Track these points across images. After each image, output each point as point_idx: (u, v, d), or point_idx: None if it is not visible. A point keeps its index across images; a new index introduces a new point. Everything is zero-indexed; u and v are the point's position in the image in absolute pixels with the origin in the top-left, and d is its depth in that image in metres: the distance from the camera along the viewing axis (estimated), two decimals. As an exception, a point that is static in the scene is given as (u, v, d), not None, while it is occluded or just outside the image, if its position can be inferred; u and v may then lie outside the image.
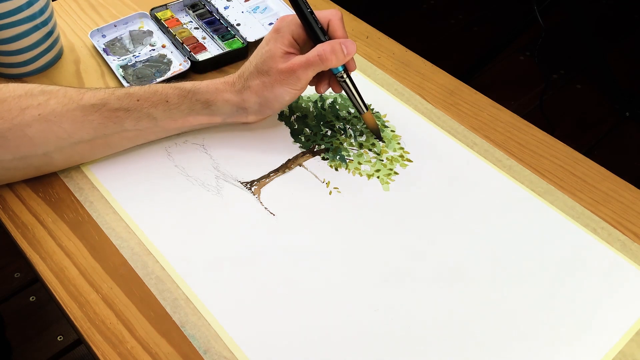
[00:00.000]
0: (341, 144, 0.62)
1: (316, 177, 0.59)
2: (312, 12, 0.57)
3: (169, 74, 0.67)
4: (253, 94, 0.57)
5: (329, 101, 0.66)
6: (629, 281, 0.52)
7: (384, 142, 0.62)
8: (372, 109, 0.65)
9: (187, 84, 0.57)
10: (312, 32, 0.57)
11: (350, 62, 0.59)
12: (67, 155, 0.55)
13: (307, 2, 0.57)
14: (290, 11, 0.74)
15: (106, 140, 0.56)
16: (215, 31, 0.73)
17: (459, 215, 0.56)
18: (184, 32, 0.72)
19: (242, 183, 0.58)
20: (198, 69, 0.69)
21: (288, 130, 0.63)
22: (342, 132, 0.63)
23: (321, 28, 0.57)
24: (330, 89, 0.62)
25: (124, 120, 0.55)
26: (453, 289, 0.51)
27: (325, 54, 0.55)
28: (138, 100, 0.55)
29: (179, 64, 0.69)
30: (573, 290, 0.51)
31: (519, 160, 0.61)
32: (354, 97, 0.60)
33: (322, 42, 0.56)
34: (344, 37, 0.57)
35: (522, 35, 1.59)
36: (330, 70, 0.58)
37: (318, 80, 0.60)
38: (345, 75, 0.59)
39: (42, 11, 0.64)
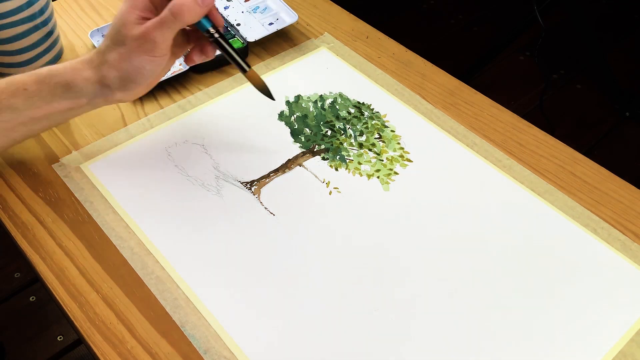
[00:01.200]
0: (341, 144, 0.62)
1: (316, 177, 0.59)
2: None
3: (168, 74, 0.67)
4: (112, 68, 0.52)
5: (328, 101, 0.66)
6: (629, 281, 0.52)
7: (274, 99, 0.59)
8: (372, 109, 0.65)
9: (43, 69, 0.53)
10: None
11: (216, 16, 0.54)
12: None
13: None
14: (290, 11, 0.74)
15: None
16: (215, 31, 0.73)
17: (459, 216, 0.56)
18: (184, 32, 0.72)
19: (242, 183, 0.58)
20: (198, 69, 0.69)
21: (288, 130, 0.63)
22: (342, 132, 0.63)
23: None
24: (204, 57, 0.56)
25: None
26: (452, 289, 0.51)
27: (175, 7, 0.50)
28: None
29: (179, 64, 0.69)
30: (573, 290, 0.51)
31: (519, 160, 0.61)
32: (230, 55, 0.55)
33: None
34: None
35: (522, 35, 1.59)
36: (199, 32, 0.55)
37: (197, 47, 0.56)
38: (216, 34, 0.54)
39: (42, 11, 0.64)
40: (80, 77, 0.53)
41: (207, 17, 0.53)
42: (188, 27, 0.55)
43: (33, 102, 0.52)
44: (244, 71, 0.57)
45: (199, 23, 0.53)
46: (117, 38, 0.52)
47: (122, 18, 0.52)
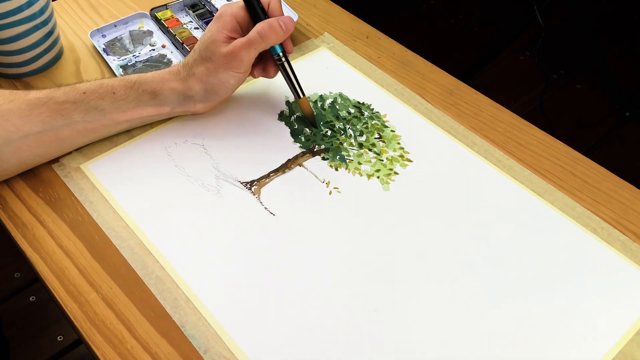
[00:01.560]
0: (341, 144, 0.62)
1: (316, 177, 0.59)
2: None
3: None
4: (198, 80, 0.58)
5: (328, 101, 0.66)
6: (629, 281, 0.52)
7: (317, 128, 0.63)
8: (372, 109, 0.65)
9: (133, 76, 0.58)
10: (254, 13, 0.58)
11: (288, 44, 0.60)
12: (16, 149, 0.54)
13: None
14: (290, 11, 0.74)
15: (56, 134, 0.55)
16: (215, 31, 0.73)
17: (459, 216, 0.56)
18: (184, 32, 0.72)
19: (242, 183, 0.58)
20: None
21: (288, 130, 0.63)
22: (342, 132, 0.63)
23: (262, 8, 0.58)
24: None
25: (72, 112, 0.55)
26: (453, 289, 0.51)
27: (264, 31, 0.56)
28: (84, 93, 0.55)
29: (179, 64, 0.69)
30: (573, 290, 0.51)
31: (519, 160, 0.61)
32: (291, 81, 0.61)
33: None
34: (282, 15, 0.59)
35: (522, 35, 1.59)
36: (270, 54, 0.60)
37: (261, 65, 0.61)
38: (283, 58, 0.60)
39: (42, 11, 0.64)
40: (167, 86, 0.58)
41: (280, 43, 0.59)
42: None
43: (119, 105, 0.57)
44: (298, 97, 0.62)
45: (272, 47, 0.59)
46: (206, 54, 0.57)
47: (212, 36, 0.57)
